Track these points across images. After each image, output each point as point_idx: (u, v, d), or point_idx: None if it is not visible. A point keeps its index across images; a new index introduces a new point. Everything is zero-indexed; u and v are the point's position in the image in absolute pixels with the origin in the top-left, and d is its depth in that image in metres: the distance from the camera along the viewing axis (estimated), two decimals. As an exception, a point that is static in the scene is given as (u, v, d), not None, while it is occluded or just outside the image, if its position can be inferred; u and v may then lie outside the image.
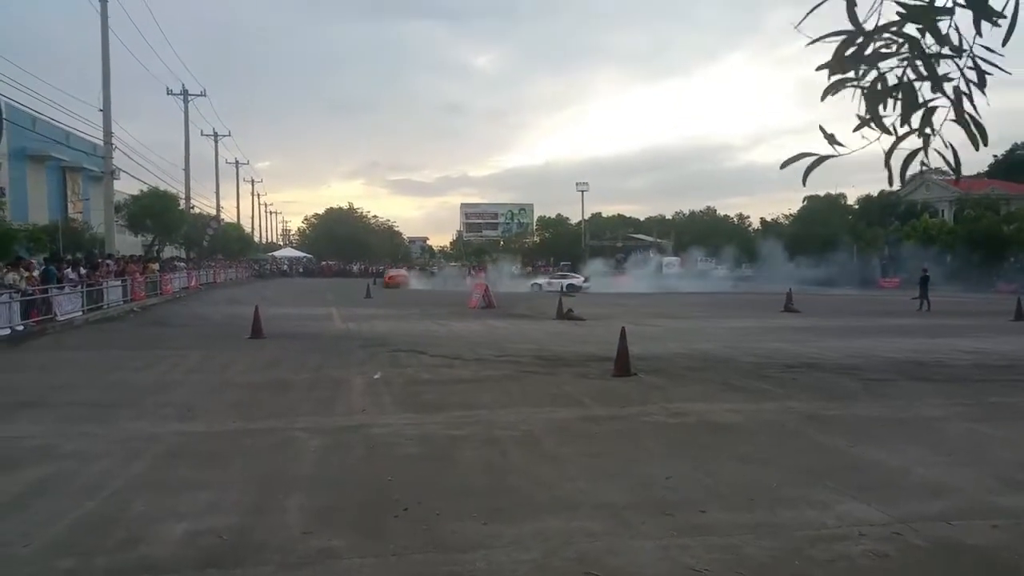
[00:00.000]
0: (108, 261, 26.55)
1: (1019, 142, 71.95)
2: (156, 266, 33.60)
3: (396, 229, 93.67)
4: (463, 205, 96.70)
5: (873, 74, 2.48)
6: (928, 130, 2.45)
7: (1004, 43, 2.39)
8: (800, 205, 66.19)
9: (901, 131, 2.48)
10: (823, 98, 2.53)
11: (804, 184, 2.64)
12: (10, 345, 14.65)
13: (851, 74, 2.49)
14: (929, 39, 2.41)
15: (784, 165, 2.57)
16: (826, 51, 2.49)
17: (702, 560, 4.07)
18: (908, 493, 5.26)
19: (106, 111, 28.78)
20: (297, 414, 7.88)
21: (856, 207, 63.23)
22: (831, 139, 2.49)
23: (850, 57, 2.45)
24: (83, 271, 22.89)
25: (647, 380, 10.14)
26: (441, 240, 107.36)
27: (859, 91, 2.50)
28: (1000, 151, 70.22)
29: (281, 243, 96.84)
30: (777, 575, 3.92)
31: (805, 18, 2.43)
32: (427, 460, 6.16)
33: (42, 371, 11.33)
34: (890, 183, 2.66)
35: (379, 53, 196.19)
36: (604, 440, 6.89)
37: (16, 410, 8.24)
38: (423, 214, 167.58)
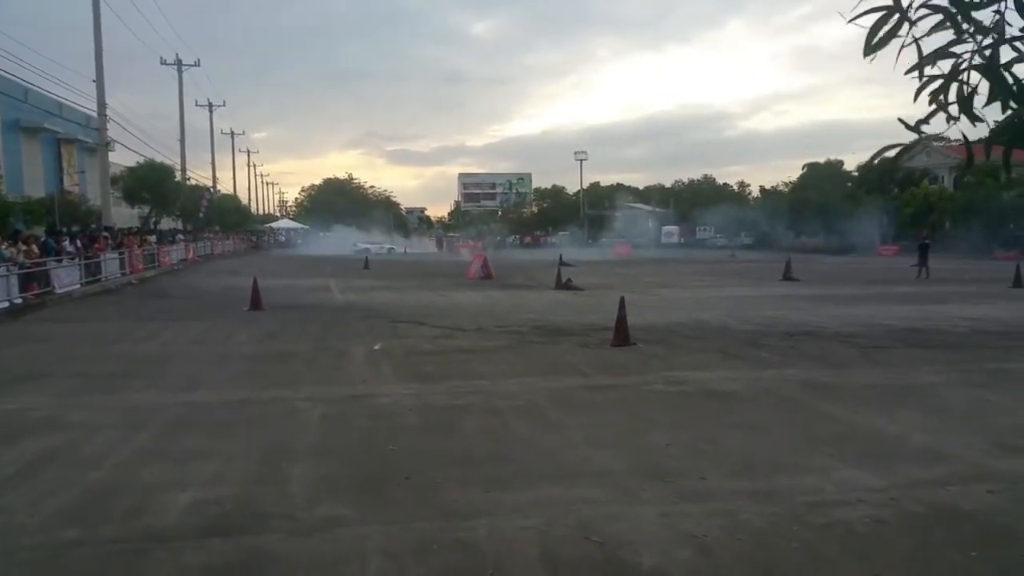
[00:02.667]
0: (105, 233, 26.46)
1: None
2: (153, 238, 33.52)
3: (394, 199, 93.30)
4: (461, 175, 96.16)
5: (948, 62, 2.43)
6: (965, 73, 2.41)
7: None
8: (799, 173, 65.90)
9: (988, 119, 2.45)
10: (915, 99, 2.49)
11: (896, 169, 2.64)
12: (9, 318, 14.67)
13: (934, 66, 2.45)
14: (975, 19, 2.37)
15: (870, 160, 2.57)
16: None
17: (702, 526, 4.12)
18: (905, 459, 5.32)
19: (99, 82, 28.45)
20: (299, 385, 7.93)
21: (855, 174, 62.92)
22: (914, 128, 2.46)
23: (884, 38, 2.40)
24: (80, 244, 22.83)
25: (646, 349, 10.18)
26: (439, 210, 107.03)
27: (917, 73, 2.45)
28: (999, 116, 69.68)
29: (278, 214, 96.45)
30: (776, 541, 3.97)
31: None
32: (428, 430, 6.21)
33: (43, 343, 11.36)
34: (1008, 169, 2.63)
35: (376, 21, 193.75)
36: (604, 409, 6.94)
37: (19, 382, 8.28)
38: (420, 184, 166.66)
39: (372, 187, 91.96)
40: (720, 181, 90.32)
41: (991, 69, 2.36)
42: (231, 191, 65.04)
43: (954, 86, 2.41)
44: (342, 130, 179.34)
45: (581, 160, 78.94)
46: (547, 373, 8.60)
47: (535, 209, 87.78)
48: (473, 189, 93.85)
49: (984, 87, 2.44)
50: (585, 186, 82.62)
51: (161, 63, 45.89)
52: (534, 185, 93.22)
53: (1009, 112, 2.38)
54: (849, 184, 61.52)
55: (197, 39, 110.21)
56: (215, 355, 9.96)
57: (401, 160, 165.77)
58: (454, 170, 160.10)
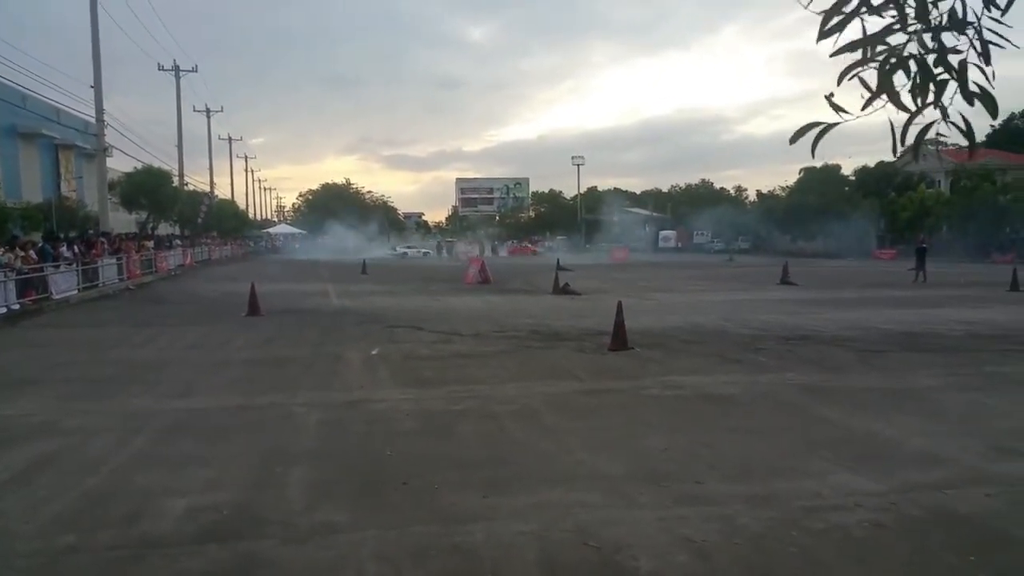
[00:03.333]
0: (103, 239, 26.43)
1: (1017, 112, 71.66)
2: (151, 244, 33.47)
3: (391, 204, 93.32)
4: (458, 180, 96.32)
5: (882, 49, 2.44)
6: (944, 102, 2.42)
7: (1004, 12, 2.37)
8: (796, 177, 66.03)
9: (913, 106, 2.46)
10: (839, 82, 2.50)
11: (813, 156, 2.64)
12: (7, 324, 14.63)
13: (862, 53, 2.46)
14: (934, 12, 2.38)
15: (793, 139, 2.56)
16: (818, 19, 2.46)
17: (699, 531, 4.12)
18: (903, 463, 5.32)
19: (97, 88, 28.45)
20: (296, 390, 7.91)
21: (852, 178, 63.03)
22: (836, 107, 2.46)
23: (866, 39, 2.41)
24: (78, 249, 22.79)
25: (644, 354, 10.17)
26: (437, 215, 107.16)
27: (871, 68, 2.46)
28: (998, 120, 70.04)
29: (276, 219, 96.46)
30: (773, 545, 3.96)
31: None
32: (426, 435, 6.20)
33: (40, 349, 11.34)
34: (899, 155, 2.64)
35: (373, 27, 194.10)
36: (601, 413, 6.94)
37: (16, 388, 8.26)
38: (417, 189, 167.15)
39: (370, 192, 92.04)
40: (717, 185, 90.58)
41: (919, 57, 2.38)
42: (229, 196, 65.07)
43: (875, 70, 2.42)
44: (339, 135, 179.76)
45: (578, 165, 79.09)
46: (544, 378, 8.60)
47: (532, 214, 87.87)
48: (471, 194, 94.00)
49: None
50: (582, 190, 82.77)
51: (159, 69, 45.89)
52: (532, 190, 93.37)
53: (930, 102, 2.39)
54: (846, 188, 61.60)
55: (195, 45, 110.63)
56: (212, 360, 9.94)
57: (398, 165, 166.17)
58: (451, 175, 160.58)
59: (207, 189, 53.72)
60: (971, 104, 2.39)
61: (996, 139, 66.56)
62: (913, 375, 8.69)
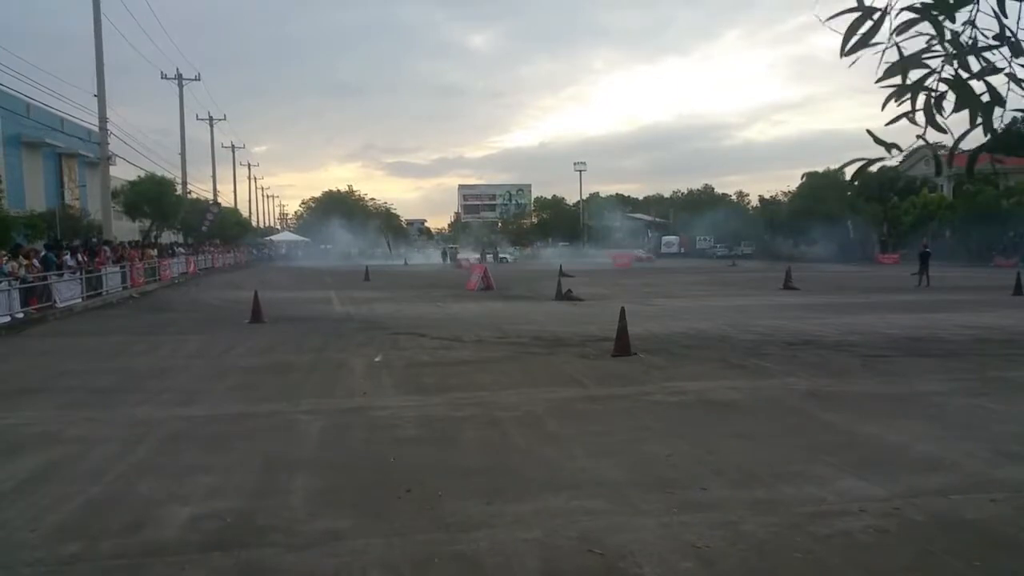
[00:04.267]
0: (106, 247, 26.50)
1: (1019, 115, 71.54)
2: (154, 252, 33.56)
3: (394, 211, 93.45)
4: (461, 187, 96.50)
5: (922, 75, 2.42)
6: (995, 122, 2.41)
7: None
8: (799, 182, 65.94)
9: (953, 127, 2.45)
10: (883, 107, 2.49)
11: (855, 186, 2.64)
12: (11, 332, 14.67)
13: (901, 79, 2.44)
14: (953, 27, 2.36)
15: (839, 169, 2.57)
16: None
17: (703, 537, 4.10)
18: (907, 468, 5.30)
19: (101, 97, 28.56)
20: (299, 397, 7.91)
21: (855, 183, 62.93)
22: (881, 142, 2.46)
23: (896, 64, 2.40)
24: (82, 258, 22.86)
25: (647, 359, 10.16)
26: (439, 222, 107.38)
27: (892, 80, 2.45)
28: (1000, 125, 70.04)
29: (279, 227, 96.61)
30: (778, 551, 3.95)
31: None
32: (428, 441, 6.19)
33: (44, 357, 11.36)
34: (970, 182, 2.63)
35: (375, 35, 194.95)
36: (605, 419, 6.92)
37: (19, 396, 8.28)
38: (420, 196, 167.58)
39: (372, 199, 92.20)
40: (719, 191, 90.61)
41: (958, 80, 2.36)
42: (232, 204, 65.26)
43: (921, 96, 2.40)
44: (342, 143, 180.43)
45: (580, 171, 79.20)
46: (547, 384, 8.59)
47: (535, 220, 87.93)
48: (473, 200, 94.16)
49: (952, 97, 2.43)
50: (585, 196, 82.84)
51: (162, 77, 46.11)
52: (534, 196, 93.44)
53: (978, 123, 2.37)
54: (848, 193, 61.52)
55: (198, 54, 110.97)
56: (215, 368, 9.95)
57: (400, 172, 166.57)
58: (453, 181, 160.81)
59: (210, 197, 53.89)
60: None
61: (998, 143, 66.42)
62: (917, 380, 8.66)
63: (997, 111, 2.34)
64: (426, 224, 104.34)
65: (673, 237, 72.34)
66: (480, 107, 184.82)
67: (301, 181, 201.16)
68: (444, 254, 56.40)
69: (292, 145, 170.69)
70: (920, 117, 2.41)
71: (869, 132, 2.45)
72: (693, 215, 72.46)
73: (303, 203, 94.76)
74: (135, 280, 26.12)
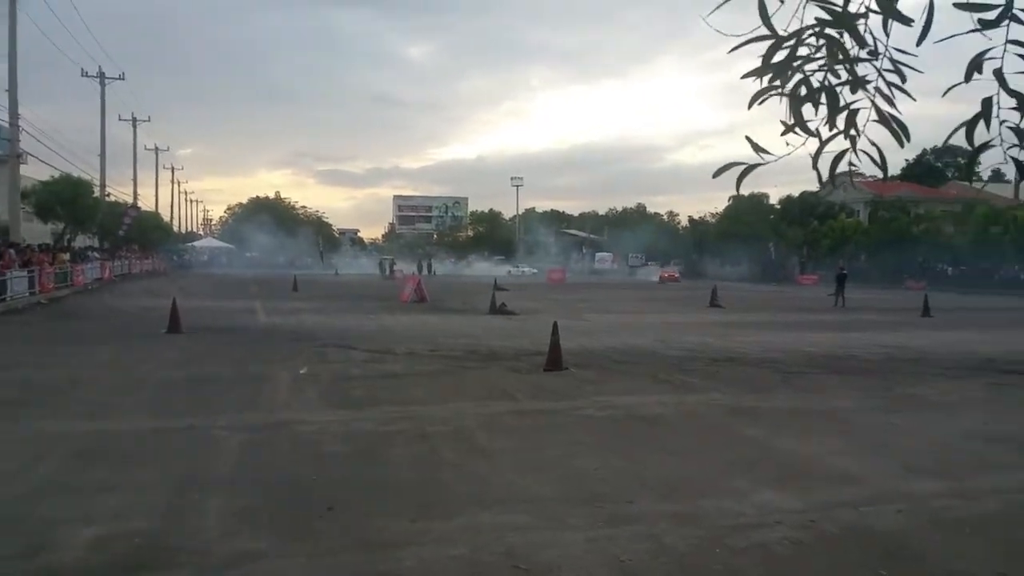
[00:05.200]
0: (11, 250, 25.06)
1: (928, 148, 76.13)
2: (67, 256, 31.96)
3: (326, 220, 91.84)
4: (396, 197, 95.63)
5: (796, 78, 2.53)
6: (853, 131, 2.51)
7: (918, 43, 2.48)
8: (726, 204, 68.19)
9: (826, 134, 2.54)
10: (750, 106, 2.57)
11: (738, 191, 2.70)
12: (-97, 340, 13.66)
13: (776, 80, 2.53)
14: (848, 42, 2.47)
15: (716, 174, 2.62)
16: (749, 53, 2.53)
17: (627, 550, 4.13)
18: (821, 481, 5.48)
19: (12, 90, 27.14)
20: (217, 411, 7.61)
21: (778, 207, 65.54)
22: (758, 148, 2.53)
23: (774, 64, 2.49)
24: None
25: (578, 374, 10.24)
26: (373, 232, 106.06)
27: (784, 97, 2.54)
28: (911, 156, 74.47)
29: (202, 233, 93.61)
30: (698, 563, 4.01)
31: (713, 11, 2.46)
32: (354, 457, 6.05)
33: (-61, 368, 10.61)
34: (821, 185, 2.73)
35: (310, 41, 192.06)
36: (535, 434, 6.93)
37: (-92, 410, 7.69)
38: (352, 205, 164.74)
39: (303, 207, 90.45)
40: (651, 210, 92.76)
41: (829, 88, 2.48)
42: (153, 208, 62.91)
43: (794, 103, 2.51)
44: (272, 149, 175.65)
45: (517, 186, 79.82)
46: (479, 398, 8.55)
47: (471, 233, 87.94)
48: (408, 212, 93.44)
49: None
50: (521, 211, 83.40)
51: (82, 75, 44.14)
52: (470, 209, 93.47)
53: (838, 131, 2.49)
54: (772, 216, 63.99)
55: (123, 53, 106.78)
56: (127, 380, 9.49)
57: (333, 181, 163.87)
58: (388, 192, 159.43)
59: (130, 200, 51.79)
60: (889, 127, 2.48)
61: (910, 173, 70.53)
62: (832, 396, 9.01)
63: (861, 120, 2.46)
64: (359, 234, 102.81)
65: (607, 253, 73.52)
66: (417, 119, 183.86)
67: (228, 186, 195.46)
68: (382, 266, 55.46)
69: (220, 149, 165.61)
70: (799, 129, 2.51)
71: (748, 138, 2.53)
72: (626, 233, 73.89)
73: (229, 209, 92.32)
74: (44, 286, 24.76)
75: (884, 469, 5.81)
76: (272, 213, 76.99)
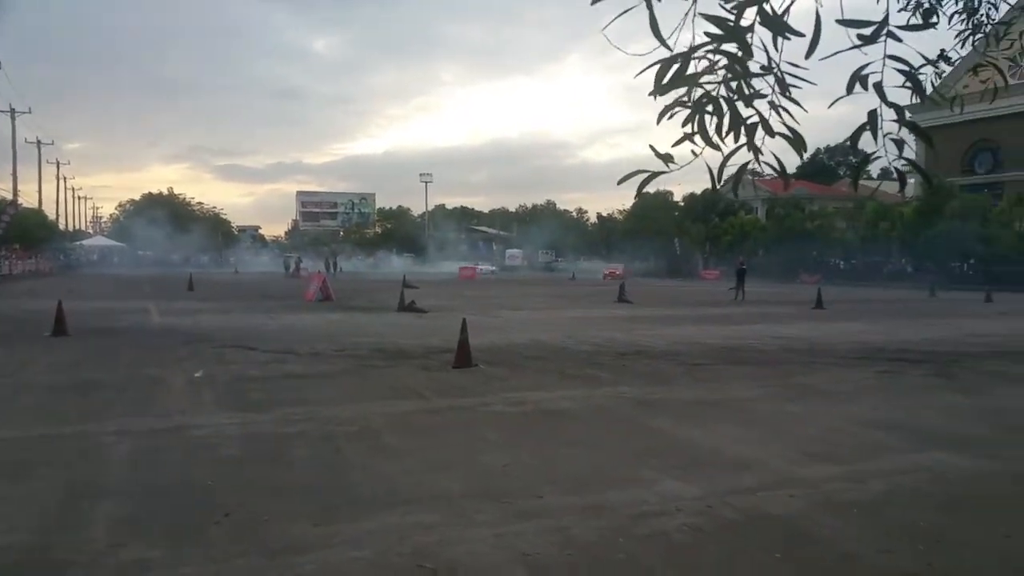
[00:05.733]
0: None
1: (822, 147, 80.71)
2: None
3: (224, 217, 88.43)
4: (299, 193, 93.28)
5: (698, 92, 2.59)
6: (757, 142, 2.60)
7: (807, 57, 2.59)
8: (633, 201, 70.02)
9: (729, 145, 2.62)
10: (659, 121, 2.62)
11: (636, 197, 2.77)
12: None
13: (681, 92, 2.59)
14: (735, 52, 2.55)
15: (621, 181, 2.67)
16: (654, 58, 2.57)
17: (534, 544, 4.15)
18: (720, 469, 5.68)
19: None
20: (107, 417, 7.17)
21: (682, 204, 67.86)
22: (663, 157, 2.58)
23: (672, 80, 2.54)
24: None
25: (487, 371, 10.24)
26: (275, 229, 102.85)
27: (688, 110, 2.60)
28: (806, 155, 78.73)
29: (91, 231, 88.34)
30: (603, 553, 4.07)
31: (607, 25, 2.50)
32: (253, 461, 5.82)
33: None
34: (714, 188, 2.81)
35: (209, 31, 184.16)
36: (443, 432, 6.87)
37: None
38: (253, 201, 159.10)
39: (200, 203, 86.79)
40: (561, 207, 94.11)
41: (729, 103, 2.57)
42: (37, 205, 58.84)
43: (699, 116, 2.59)
44: (167, 143, 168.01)
45: (426, 182, 79.26)
46: (386, 397, 8.40)
47: (379, 230, 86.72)
48: (312, 208, 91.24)
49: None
50: (430, 208, 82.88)
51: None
52: (378, 205, 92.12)
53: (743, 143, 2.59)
54: (676, 213, 66.17)
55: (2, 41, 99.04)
56: (9, 386, 8.81)
57: (231, 176, 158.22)
58: (291, 188, 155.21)
59: (9, 197, 48.25)
60: (787, 139, 2.58)
61: (805, 171, 74.50)
62: (732, 387, 9.37)
63: (759, 133, 2.56)
64: (260, 231, 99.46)
65: (517, 250, 74.10)
66: (322, 113, 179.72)
67: (119, 182, 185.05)
68: (286, 263, 53.61)
69: (110, 144, 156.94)
70: (700, 140, 2.59)
71: (651, 147, 2.59)
72: (536, 229, 74.70)
73: (120, 205, 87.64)
74: (-89, 287, 22.73)
75: (780, 455, 6.08)
76: (167, 209, 73.54)
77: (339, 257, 62.18)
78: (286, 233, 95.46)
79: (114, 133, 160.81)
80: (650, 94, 2.57)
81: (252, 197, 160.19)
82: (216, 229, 78.13)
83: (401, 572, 3.82)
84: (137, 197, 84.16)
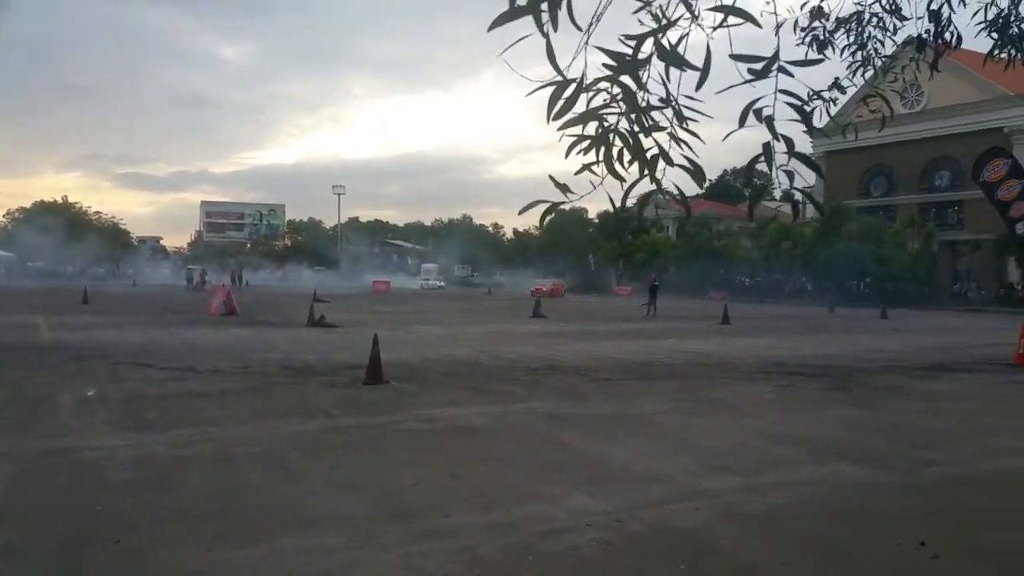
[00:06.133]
0: None
1: (728, 169, 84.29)
2: None
3: (123, 226, 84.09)
4: (204, 203, 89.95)
5: (596, 125, 2.62)
6: (658, 174, 2.65)
7: (696, 89, 2.66)
8: (549, 217, 70.90)
9: (632, 174, 2.66)
10: (567, 155, 2.64)
11: (540, 227, 2.79)
12: None
13: (584, 124, 2.61)
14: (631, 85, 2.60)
15: (522, 211, 2.69)
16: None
17: (442, 565, 4.06)
18: (629, 483, 5.74)
19: None
20: (-19, 440, 6.62)
21: (596, 221, 69.30)
22: (561, 187, 2.61)
23: (565, 105, 2.56)
24: None
25: (399, 387, 10.06)
26: (177, 240, 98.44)
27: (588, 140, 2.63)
28: (713, 176, 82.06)
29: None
30: (511, 571, 4.03)
31: (504, 52, 2.52)
32: (145, 485, 5.47)
33: None
34: (616, 211, 2.85)
35: (109, 36, 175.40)
36: (351, 451, 6.68)
37: None
38: (154, 211, 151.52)
39: (97, 213, 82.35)
40: (477, 221, 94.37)
41: (631, 135, 2.64)
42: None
43: (602, 148, 2.65)
44: (62, 150, 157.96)
45: (339, 194, 77.89)
46: (291, 416, 8.10)
47: (288, 242, 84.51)
48: (218, 218, 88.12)
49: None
50: (343, 220, 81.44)
51: None
52: (288, 217, 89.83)
53: (646, 174, 2.66)
54: (591, 230, 67.52)
55: None
56: None
57: (133, 184, 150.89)
58: (196, 197, 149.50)
59: None
60: (686, 170, 2.64)
61: (713, 192, 77.58)
62: (641, 401, 9.54)
63: (661, 164, 2.63)
64: (162, 242, 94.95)
65: (432, 265, 73.71)
66: (230, 121, 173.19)
67: (8, 189, 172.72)
68: (189, 275, 51.14)
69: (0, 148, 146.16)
70: (601, 168, 2.64)
71: (551, 177, 2.62)
72: (450, 244, 74.59)
73: (7, 214, 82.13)
74: None
75: (686, 468, 6.20)
76: (60, 219, 69.37)
77: (246, 270, 60.08)
78: (189, 244, 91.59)
79: (4, 138, 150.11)
80: (559, 129, 2.59)
81: (154, 207, 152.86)
82: (114, 239, 74.20)
83: (301, 599, 3.65)
84: (28, 205, 79.14)
